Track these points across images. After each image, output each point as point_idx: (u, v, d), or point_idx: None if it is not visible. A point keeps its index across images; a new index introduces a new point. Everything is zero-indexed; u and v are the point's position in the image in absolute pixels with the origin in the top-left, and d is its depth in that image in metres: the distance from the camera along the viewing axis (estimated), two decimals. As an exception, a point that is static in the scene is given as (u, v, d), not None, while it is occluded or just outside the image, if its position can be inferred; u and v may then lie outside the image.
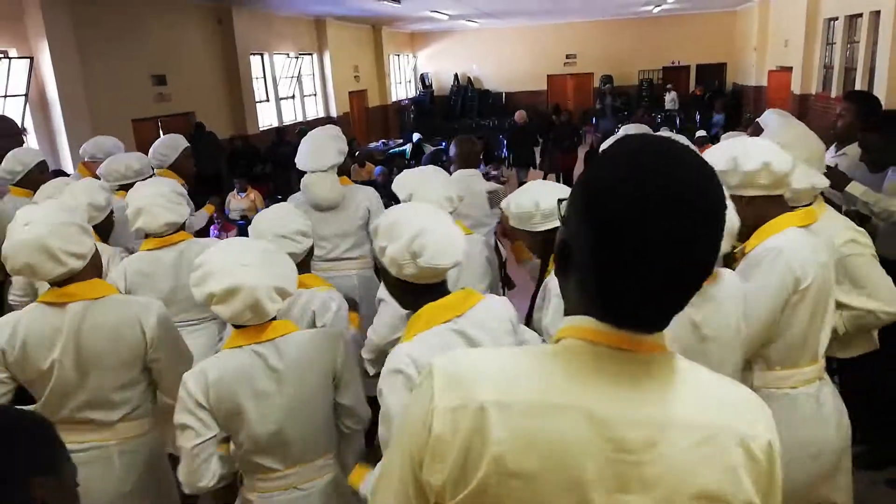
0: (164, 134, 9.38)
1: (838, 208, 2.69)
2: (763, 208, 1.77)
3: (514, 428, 0.79)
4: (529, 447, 0.78)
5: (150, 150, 3.69)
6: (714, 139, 10.28)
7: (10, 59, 6.78)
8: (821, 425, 1.78)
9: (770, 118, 2.99)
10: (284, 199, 3.14)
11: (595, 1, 14.14)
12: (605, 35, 18.90)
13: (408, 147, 12.78)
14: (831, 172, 2.95)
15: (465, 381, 0.82)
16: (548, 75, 19.92)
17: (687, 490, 0.78)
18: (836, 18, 10.69)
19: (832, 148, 3.28)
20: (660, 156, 0.77)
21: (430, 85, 20.34)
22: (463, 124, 17.55)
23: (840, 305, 1.97)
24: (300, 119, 13.45)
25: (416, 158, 11.73)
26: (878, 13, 8.67)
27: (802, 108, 12.00)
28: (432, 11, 13.48)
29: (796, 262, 1.71)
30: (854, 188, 2.85)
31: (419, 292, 1.52)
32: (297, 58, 13.32)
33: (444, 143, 14.13)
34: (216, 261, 1.65)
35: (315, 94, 14.36)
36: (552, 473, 0.78)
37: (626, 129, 3.47)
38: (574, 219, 0.81)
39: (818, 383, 1.81)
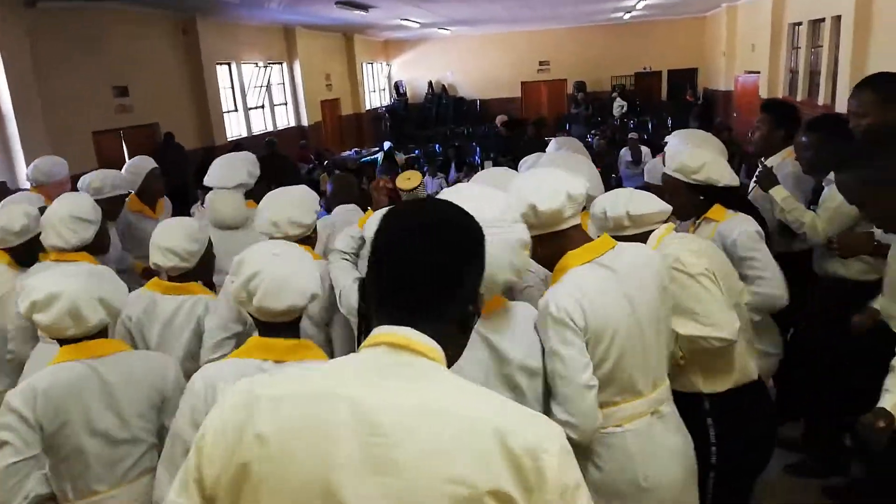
0: (126, 146, 9.31)
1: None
2: (549, 247, 1.69)
3: (280, 413, 0.88)
4: (290, 430, 0.87)
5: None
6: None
7: (-41, 71, 6.62)
8: (651, 462, 1.69)
9: (672, 138, 3.16)
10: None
11: (566, 7, 14.18)
12: (578, 42, 19.00)
13: (379, 156, 12.70)
14: (762, 172, 2.97)
15: (251, 385, 0.94)
16: (522, 82, 19.97)
17: (438, 474, 0.83)
18: (801, 23, 10.81)
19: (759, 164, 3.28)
20: (406, 209, 1.07)
21: (405, 93, 20.30)
22: (437, 132, 17.57)
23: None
24: (270, 129, 13.33)
25: (389, 167, 11.64)
26: (839, 18, 8.76)
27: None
28: (402, 20, 13.45)
29: (561, 307, 1.58)
30: (777, 192, 2.87)
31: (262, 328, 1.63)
32: (266, 67, 13.20)
33: (417, 151, 14.13)
34: (40, 277, 1.75)
35: (286, 104, 14.24)
36: (308, 455, 0.85)
37: (556, 142, 3.38)
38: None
39: (649, 418, 1.71)
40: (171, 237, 2.18)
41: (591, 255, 1.68)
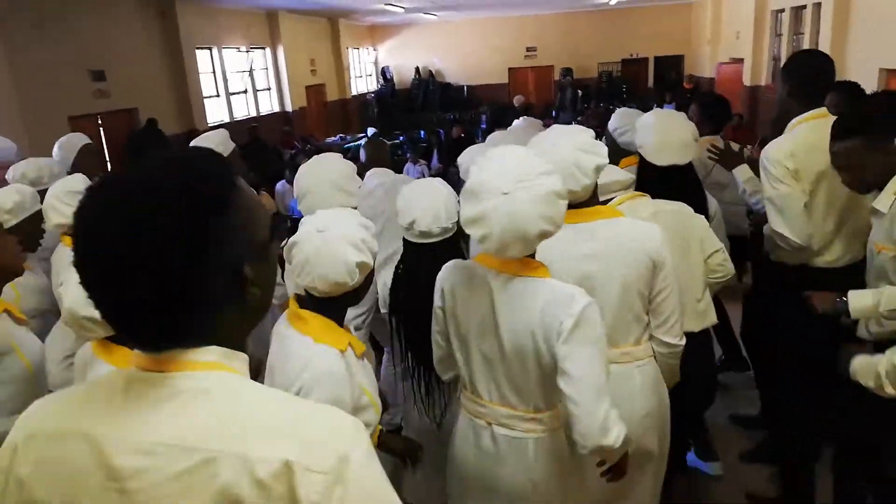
0: (103, 131, 9.22)
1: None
2: None
3: (35, 456, 0.81)
4: (44, 475, 0.80)
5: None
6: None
7: (-72, 54, 6.52)
8: (628, 397, 1.91)
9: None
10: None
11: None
12: (565, 28, 18.94)
13: (363, 142, 12.64)
14: (724, 150, 3.00)
15: (22, 420, 0.86)
16: (509, 68, 19.90)
17: None
18: (783, 10, 10.82)
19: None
20: (96, 190, 0.80)
21: (392, 78, 20.19)
22: (425, 118, 17.49)
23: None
24: (253, 114, 13.23)
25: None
26: (819, 5, 8.77)
27: (752, 100, 12.15)
28: (386, 4, 13.34)
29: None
30: (741, 172, 2.89)
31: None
32: (248, 52, 13.09)
33: (401, 137, 14.08)
34: None
35: (269, 89, 14.13)
36: (55, 500, 0.79)
37: (524, 120, 3.47)
38: None
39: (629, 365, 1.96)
40: None
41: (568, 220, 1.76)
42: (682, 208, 2.34)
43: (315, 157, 2.45)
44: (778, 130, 2.75)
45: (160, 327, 0.78)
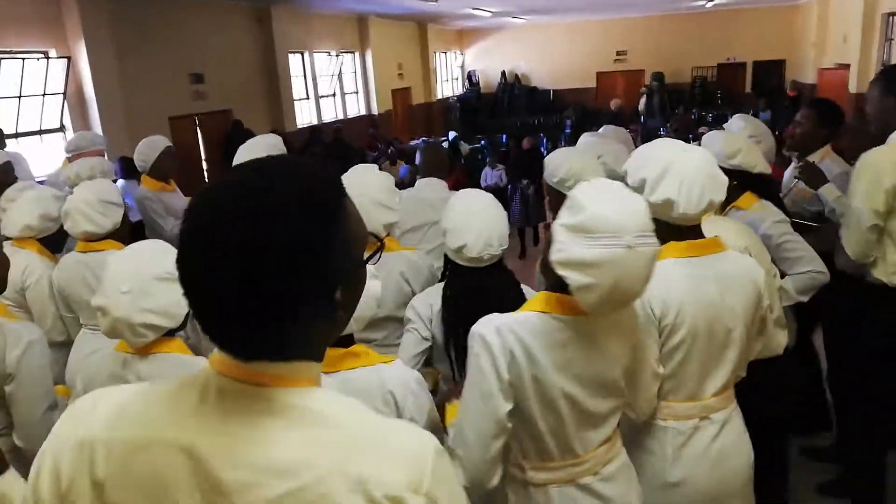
0: (200, 131, 9.74)
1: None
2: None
3: (116, 463, 0.78)
4: (129, 482, 0.78)
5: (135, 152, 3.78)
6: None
7: (48, 58, 7.09)
8: (686, 463, 1.70)
9: (733, 121, 3.10)
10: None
11: (643, -4, 13.78)
12: (657, 31, 18.39)
13: (444, 145, 12.75)
14: (807, 168, 2.86)
15: (80, 419, 0.83)
16: (597, 72, 19.53)
17: None
18: (895, 14, 10.09)
19: (794, 160, 3.22)
20: (207, 192, 0.80)
21: (477, 82, 20.26)
22: (509, 122, 17.46)
23: None
24: (340, 117, 13.61)
25: (453, 157, 11.69)
26: (936, 7, 8.14)
27: (859, 108, 11.39)
28: (473, 9, 13.40)
29: (655, 297, 1.61)
30: (828, 191, 2.76)
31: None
32: (338, 56, 13.47)
33: (483, 142, 14.11)
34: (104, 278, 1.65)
35: (357, 92, 14.49)
36: None
37: (605, 129, 3.41)
38: None
39: (697, 421, 1.72)
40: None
41: (690, 252, 1.68)
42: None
43: (353, 170, 2.32)
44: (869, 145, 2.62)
45: (261, 333, 0.77)
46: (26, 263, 2.60)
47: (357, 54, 14.35)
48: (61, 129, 7.41)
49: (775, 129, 10.99)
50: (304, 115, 12.28)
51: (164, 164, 3.73)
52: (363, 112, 14.55)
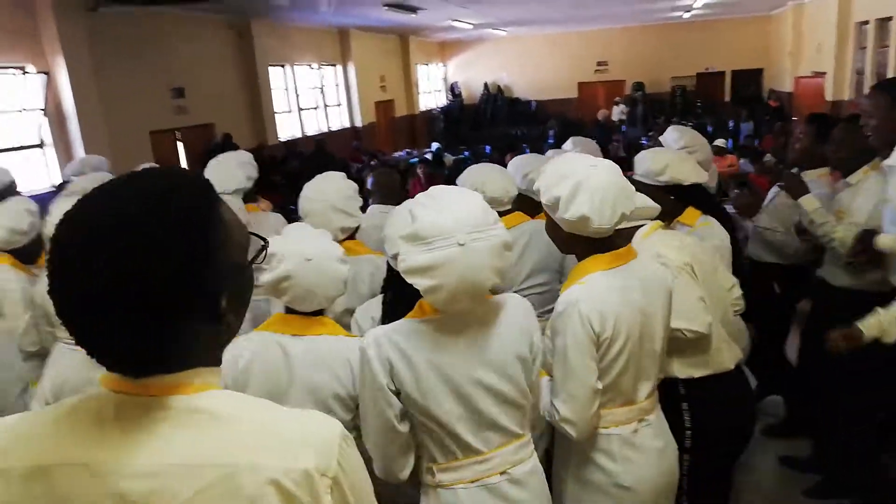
0: (182, 145, 9.68)
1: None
2: (581, 245, 1.74)
3: (17, 493, 0.76)
4: None
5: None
6: (741, 148, 9.98)
7: (26, 73, 7.03)
8: (632, 465, 1.76)
9: (667, 133, 3.03)
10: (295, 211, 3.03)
11: (621, 7, 13.92)
12: (637, 41, 18.60)
13: (427, 157, 12.77)
14: (789, 178, 2.88)
15: None
16: (579, 83, 19.70)
17: None
18: (867, 22, 10.29)
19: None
20: (77, 213, 0.77)
21: (460, 94, 20.35)
22: (492, 133, 17.53)
23: None
24: (324, 130, 13.60)
25: (436, 168, 11.70)
26: (907, 16, 8.30)
27: (849, 117, 11.54)
28: (453, 21, 13.48)
29: (584, 312, 1.65)
30: (808, 202, 2.75)
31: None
32: (320, 68, 13.48)
33: (466, 153, 14.16)
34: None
35: (339, 105, 14.50)
36: None
37: (572, 141, 3.38)
38: None
39: (636, 424, 1.78)
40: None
41: (614, 263, 1.73)
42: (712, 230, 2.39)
43: (317, 177, 2.44)
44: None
45: (145, 351, 0.77)
46: None
47: (339, 67, 14.37)
48: (40, 145, 7.34)
49: (756, 140, 11.19)
50: (287, 129, 12.25)
51: None
52: (346, 125, 14.55)
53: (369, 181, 3.17)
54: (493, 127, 18.67)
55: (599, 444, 1.76)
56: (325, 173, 2.45)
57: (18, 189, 3.78)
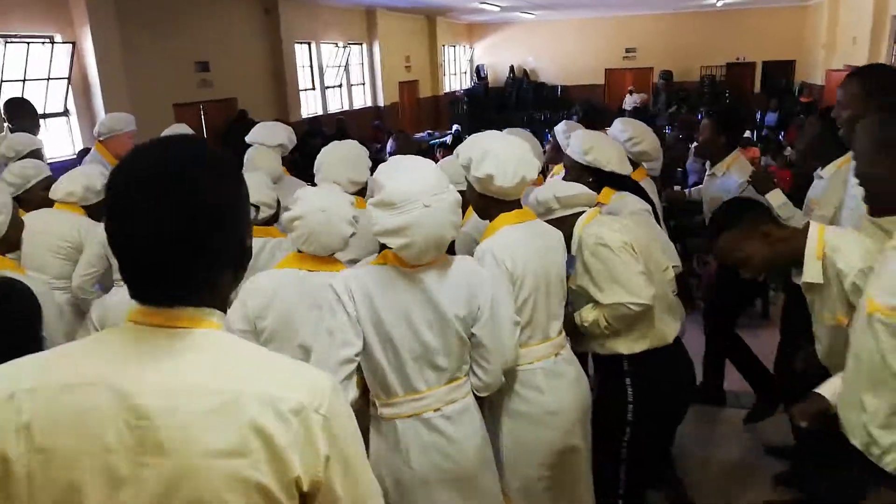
0: (205, 118, 9.78)
1: None
2: (482, 209, 2.08)
3: (42, 408, 0.85)
4: (56, 423, 0.85)
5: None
6: (764, 140, 9.79)
7: (53, 43, 7.14)
8: (556, 392, 2.05)
9: (614, 125, 3.19)
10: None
11: (652, -7, 13.72)
12: (667, 29, 18.29)
13: (447, 138, 12.76)
14: (757, 175, 2.92)
15: (6, 377, 0.90)
16: (606, 69, 19.47)
17: (199, 450, 0.84)
18: (904, 15, 10.02)
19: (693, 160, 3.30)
20: (139, 150, 0.92)
21: (486, 77, 20.23)
22: (517, 117, 17.42)
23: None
24: (346, 108, 13.63)
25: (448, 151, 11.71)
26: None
27: (821, 110, 11.28)
28: (481, 2, 13.39)
29: (498, 256, 1.95)
30: (775, 197, 2.79)
31: None
32: (345, 47, 13.48)
33: (488, 136, 14.06)
34: None
35: (363, 84, 14.50)
36: (77, 445, 0.84)
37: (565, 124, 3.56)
38: None
39: (554, 358, 2.08)
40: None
41: (521, 219, 2.06)
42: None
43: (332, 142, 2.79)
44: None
45: (187, 285, 0.89)
46: (77, 222, 3.02)
47: (364, 46, 14.36)
48: (65, 113, 7.47)
49: (781, 132, 10.97)
50: (310, 106, 12.31)
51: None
52: (369, 104, 14.57)
53: (389, 144, 3.50)
54: (518, 111, 18.54)
55: (526, 378, 2.05)
56: (346, 140, 2.81)
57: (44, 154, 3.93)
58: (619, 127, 3.10)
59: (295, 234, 1.95)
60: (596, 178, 2.56)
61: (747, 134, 9.24)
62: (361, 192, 2.65)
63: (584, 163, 2.55)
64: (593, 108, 12.76)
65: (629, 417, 2.21)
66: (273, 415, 0.85)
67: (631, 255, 2.15)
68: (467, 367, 1.82)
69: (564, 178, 2.65)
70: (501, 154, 1.92)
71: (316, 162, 2.68)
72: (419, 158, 1.80)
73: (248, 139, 3.55)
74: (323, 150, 2.72)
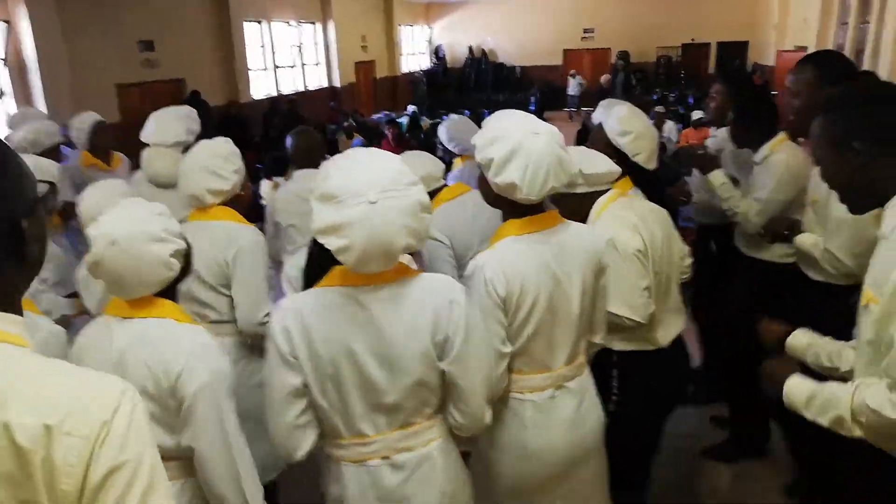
0: (150, 100, 9.46)
1: None
2: (494, 202, 1.74)
3: None
4: None
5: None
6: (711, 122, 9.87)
7: (-16, 21, 6.81)
8: (543, 430, 1.75)
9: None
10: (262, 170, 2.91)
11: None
12: (625, 10, 18.34)
13: (404, 119, 12.63)
14: (699, 155, 2.92)
15: None
16: (564, 49, 19.48)
17: None
18: (850, -3, 10.23)
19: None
20: None
21: (444, 57, 20.06)
22: (476, 97, 17.34)
23: None
24: (301, 89, 13.37)
25: (413, 131, 11.59)
26: (887, -8, 8.25)
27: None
28: (437, -19, 13.21)
29: (489, 277, 1.63)
30: (715, 177, 2.79)
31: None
32: (298, 25, 13.19)
33: (445, 117, 13.98)
34: None
35: (318, 64, 14.23)
36: None
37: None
38: None
39: (552, 391, 1.76)
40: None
41: (531, 228, 1.69)
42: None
43: (202, 141, 2.35)
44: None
45: None
46: None
47: (318, 25, 14.07)
48: (-1, 94, 7.14)
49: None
50: (261, 87, 12.02)
51: (99, 141, 3.72)
52: (324, 84, 14.31)
53: (287, 142, 3.03)
54: (478, 92, 18.47)
55: (514, 409, 1.76)
56: (214, 139, 2.34)
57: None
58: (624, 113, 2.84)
59: (103, 282, 1.53)
60: (620, 162, 2.26)
61: (699, 114, 9.33)
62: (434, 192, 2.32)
63: (616, 145, 2.25)
64: (550, 90, 12.73)
65: (610, 408, 2.04)
66: (8, 447, 0.75)
67: (640, 266, 1.99)
68: (431, 410, 1.52)
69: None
70: (534, 155, 1.56)
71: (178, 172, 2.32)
72: (380, 151, 1.46)
73: (142, 137, 3.11)
74: (188, 153, 2.34)
